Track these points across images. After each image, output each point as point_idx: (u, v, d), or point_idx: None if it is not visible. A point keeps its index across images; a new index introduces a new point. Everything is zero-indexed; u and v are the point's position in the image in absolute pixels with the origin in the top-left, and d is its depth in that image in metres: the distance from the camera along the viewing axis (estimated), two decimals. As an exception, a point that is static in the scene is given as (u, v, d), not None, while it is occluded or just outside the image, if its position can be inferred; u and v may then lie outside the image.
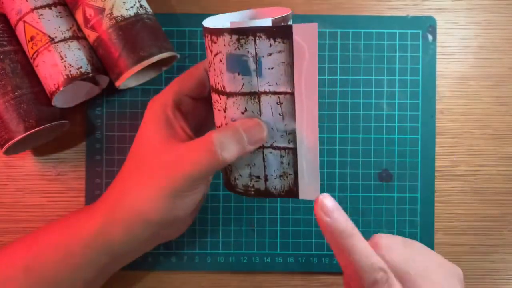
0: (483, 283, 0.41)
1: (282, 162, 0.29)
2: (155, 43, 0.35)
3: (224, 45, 0.27)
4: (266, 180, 0.30)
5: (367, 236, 0.41)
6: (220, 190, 0.41)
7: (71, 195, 0.41)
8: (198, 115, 0.34)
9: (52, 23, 0.35)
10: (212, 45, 0.27)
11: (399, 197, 0.41)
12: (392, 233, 0.41)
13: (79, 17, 0.35)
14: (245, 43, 0.26)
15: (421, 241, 0.40)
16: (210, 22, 0.29)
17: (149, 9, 0.37)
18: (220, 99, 0.29)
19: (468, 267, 0.41)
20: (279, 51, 0.26)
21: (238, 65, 0.27)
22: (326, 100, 0.41)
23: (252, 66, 0.27)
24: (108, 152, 0.40)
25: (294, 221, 0.41)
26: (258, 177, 0.30)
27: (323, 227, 0.27)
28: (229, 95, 0.28)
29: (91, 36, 0.35)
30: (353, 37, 0.41)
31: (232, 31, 0.26)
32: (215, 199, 0.41)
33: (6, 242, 0.40)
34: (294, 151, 0.29)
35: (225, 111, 0.29)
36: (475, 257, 0.41)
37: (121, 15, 0.35)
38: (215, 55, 0.27)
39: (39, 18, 0.35)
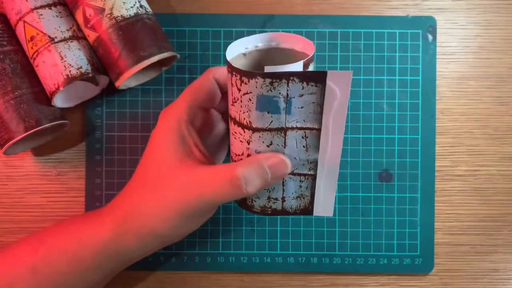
0: (483, 283, 0.41)
1: (300, 186, 0.30)
2: (155, 43, 0.35)
3: (256, 87, 0.27)
4: (283, 201, 0.31)
5: (367, 236, 0.41)
6: (220, 190, 0.41)
7: (71, 195, 0.41)
8: (208, 127, 0.34)
9: (52, 23, 0.35)
10: (241, 85, 0.27)
11: (399, 197, 0.41)
12: (392, 233, 0.41)
13: (79, 17, 0.35)
14: (277, 86, 0.26)
15: (421, 241, 0.41)
16: (230, 54, 0.29)
17: (149, 9, 0.37)
18: (244, 132, 0.29)
19: (468, 267, 0.41)
20: (311, 93, 0.27)
21: (268, 105, 0.27)
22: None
23: (282, 105, 0.27)
24: (108, 152, 0.40)
25: (294, 221, 0.41)
26: (276, 199, 0.31)
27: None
28: (255, 130, 0.28)
29: (91, 36, 0.35)
30: (353, 37, 0.41)
31: (266, 75, 0.26)
32: (215, 199, 0.41)
33: (6, 242, 0.40)
34: (314, 177, 0.30)
35: (248, 144, 0.29)
36: (475, 257, 0.41)
37: (121, 15, 0.35)
38: (243, 94, 0.27)
39: (39, 18, 0.35)
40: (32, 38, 0.35)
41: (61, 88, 0.35)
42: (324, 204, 0.31)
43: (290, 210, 0.31)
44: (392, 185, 0.41)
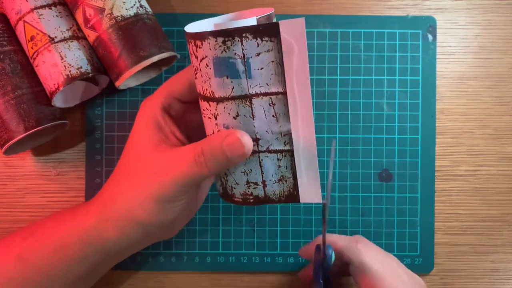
0: (483, 283, 0.41)
1: (279, 166, 0.28)
2: (155, 43, 0.35)
3: (210, 49, 0.25)
4: (264, 186, 0.29)
5: (367, 236, 0.40)
6: (220, 190, 0.41)
7: (71, 195, 0.41)
8: (191, 121, 0.34)
9: (52, 23, 0.35)
10: (197, 51, 0.26)
11: (399, 197, 0.41)
12: (392, 233, 0.41)
13: (79, 17, 0.35)
14: (231, 45, 0.25)
15: (421, 241, 0.41)
16: (192, 27, 0.28)
17: (149, 9, 0.37)
18: (210, 106, 0.28)
19: (468, 267, 0.41)
20: (267, 50, 0.25)
21: (226, 68, 0.26)
22: (326, 100, 0.41)
23: (241, 68, 0.26)
24: (108, 152, 0.40)
25: (294, 221, 0.41)
26: (256, 183, 0.29)
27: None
28: (219, 100, 0.27)
29: (91, 36, 0.35)
30: (353, 37, 0.41)
31: (217, 33, 0.25)
32: (215, 199, 0.41)
33: (6, 242, 0.41)
34: (291, 153, 0.28)
35: (216, 118, 0.28)
36: (475, 257, 0.41)
37: (121, 15, 0.35)
38: (200, 61, 0.26)
39: (39, 18, 0.35)
40: (32, 38, 0.35)
41: (61, 88, 0.35)
42: (310, 188, 0.28)
43: (274, 198, 0.29)
44: (392, 185, 0.41)
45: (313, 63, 0.41)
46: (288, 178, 0.29)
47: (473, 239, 0.41)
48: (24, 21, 0.35)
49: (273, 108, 0.27)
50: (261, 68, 0.25)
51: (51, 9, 0.35)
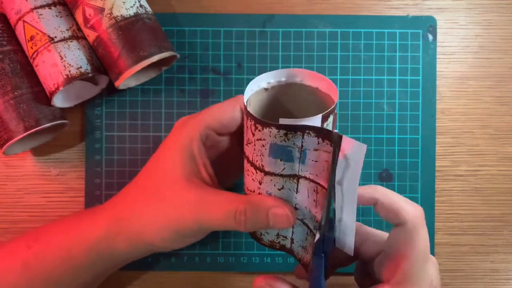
0: (483, 283, 0.41)
1: (306, 238, 0.30)
2: (155, 43, 0.35)
3: (270, 136, 0.26)
4: (292, 242, 0.31)
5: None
6: (220, 190, 0.41)
7: (71, 195, 0.41)
8: (219, 150, 0.33)
9: (52, 23, 0.35)
10: (255, 130, 0.27)
11: (399, 197, 0.41)
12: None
13: (79, 17, 0.35)
14: (292, 137, 0.25)
15: (421, 241, 0.40)
16: (251, 88, 0.28)
17: (149, 9, 0.37)
18: (257, 173, 0.28)
19: (468, 267, 0.41)
20: (325, 151, 0.25)
21: (282, 153, 0.26)
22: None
23: (296, 155, 0.26)
24: (108, 152, 0.40)
25: (294, 221, 0.41)
26: (285, 237, 0.31)
27: None
28: (267, 173, 0.28)
29: (91, 36, 0.35)
30: (353, 37, 0.41)
31: (281, 126, 0.25)
32: (215, 199, 0.41)
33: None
34: (314, 238, 0.29)
35: (260, 184, 0.29)
36: (475, 257, 0.41)
37: (121, 15, 0.34)
38: (257, 139, 0.27)
39: (38, 18, 0.35)
40: (31, 38, 0.35)
41: (61, 88, 0.35)
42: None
43: (297, 256, 0.31)
44: (392, 185, 0.41)
45: (313, 63, 0.41)
46: (309, 252, 0.30)
47: (473, 239, 0.41)
48: (24, 21, 0.35)
49: (316, 195, 0.27)
50: (315, 161, 0.26)
51: (50, 9, 0.35)
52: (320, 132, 0.25)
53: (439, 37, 0.42)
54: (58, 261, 0.32)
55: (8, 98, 0.35)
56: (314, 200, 0.28)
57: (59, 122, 0.37)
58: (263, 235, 0.32)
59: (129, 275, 0.41)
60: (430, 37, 0.41)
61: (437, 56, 0.42)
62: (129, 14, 0.35)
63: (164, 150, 0.31)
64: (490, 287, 0.41)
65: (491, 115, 0.42)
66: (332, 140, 0.25)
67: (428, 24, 0.41)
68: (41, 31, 0.35)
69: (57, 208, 0.41)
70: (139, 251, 0.32)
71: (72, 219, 0.34)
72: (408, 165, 0.41)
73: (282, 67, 0.41)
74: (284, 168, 0.27)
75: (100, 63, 0.37)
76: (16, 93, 0.35)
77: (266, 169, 0.27)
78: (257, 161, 0.28)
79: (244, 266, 0.41)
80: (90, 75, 0.35)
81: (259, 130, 0.26)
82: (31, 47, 0.35)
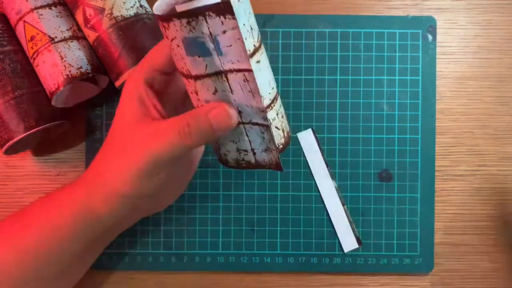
0: (483, 283, 0.41)
1: (263, 138, 0.29)
2: (155, 43, 0.35)
3: (177, 30, 0.25)
4: (254, 153, 0.30)
5: (367, 236, 0.40)
6: (220, 190, 0.41)
7: (71, 195, 0.41)
8: (173, 92, 0.34)
9: (52, 23, 0.35)
10: (166, 31, 0.26)
11: (399, 197, 0.41)
12: (392, 233, 0.41)
13: (79, 17, 0.35)
14: (196, 25, 0.24)
15: (421, 241, 0.40)
16: (159, 5, 0.27)
17: (149, 9, 0.37)
18: (189, 82, 0.28)
19: (468, 267, 0.41)
20: (232, 28, 0.24)
21: (196, 47, 0.25)
22: (326, 100, 0.41)
23: (210, 46, 0.25)
24: (108, 152, 0.40)
25: (294, 221, 0.41)
26: (245, 150, 0.30)
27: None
28: (196, 78, 0.27)
29: (91, 36, 0.35)
30: (353, 37, 0.41)
31: (180, 15, 0.24)
32: (215, 199, 0.41)
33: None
34: (268, 128, 0.28)
35: (197, 94, 0.28)
36: (475, 257, 0.41)
37: (121, 15, 0.35)
38: (171, 41, 0.26)
39: (39, 18, 0.35)
40: (32, 38, 0.35)
41: (61, 88, 0.35)
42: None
43: (265, 164, 0.30)
44: (392, 185, 0.41)
45: (313, 63, 0.41)
46: (272, 149, 0.29)
47: (473, 239, 0.41)
48: (24, 21, 0.35)
49: (248, 84, 0.26)
50: (230, 46, 0.25)
51: (51, 9, 0.35)
52: (218, 9, 0.24)
53: (438, 37, 0.42)
54: (43, 236, 0.33)
55: (9, 98, 0.35)
56: (249, 91, 0.27)
57: (59, 122, 0.37)
58: (226, 154, 0.31)
59: (130, 275, 0.41)
60: (430, 37, 0.41)
61: (437, 56, 0.42)
62: (130, 14, 0.35)
63: (118, 106, 0.32)
64: (490, 287, 0.41)
65: (491, 115, 0.42)
66: (230, 9, 0.23)
67: (427, 24, 0.41)
68: (42, 31, 0.35)
69: (57, 208, 0.41)
70: (119, 210, 0.32)
71: (54, 194, 0.34)
72: (408, 165, 0.41)
73: (282, 67, 0.41)
74: (207, 65, 0.26)
75: (100, 63, 0.37)
76: (16, 93, 0.35)
77: (193, 72, 0.27)
78: (183, 67, 0.27)
79: (244, 266, 0.41)
80: (90, 75, 0.35)
81: (167, 29, 0.26)
82: (32, 47, 0.35)
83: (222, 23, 0.24)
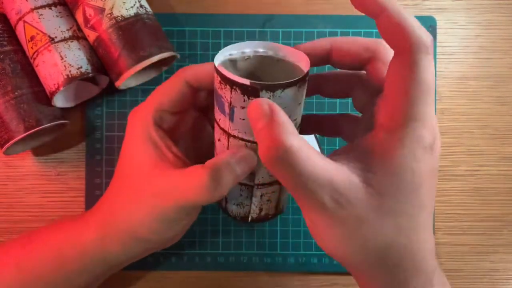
0: (483, 283, 0.41)
1: (241, 195, 0.30)
2: (155, 43, 0.35)
3: (214, 80, 0.27)
4: (226, 202, 0.31)
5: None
6: (220, 190, 0.41)
7: (71, 195, 0.41)
8: (185, 132, 0.33)
9: (52, 23, 0.35)
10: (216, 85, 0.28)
11: (399, 197, 0.41)
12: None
13: (79, 17, 0.35)
14: (224, 88, 0.26)
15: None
16: (223, 52, 0.28)
17: (149, 9, 0.37)
18: (215, 128, 0.29)
19: (468, 267, 0.41)
20: None
21: (218, 102, 0.27)
22: (326, 100, 0.41)
23: (227, 110, 0.26)
24: (108, 152, 0.40)
25: (294, 221, 0.41)
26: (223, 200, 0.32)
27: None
28: (217, 125, 0.29)
29: (91, 36, 0.35)
30: (353, 37, 0.41)
31: (217, 72, 0.26)
32: (215, 199, 0.41)
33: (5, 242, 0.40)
34: (251, 187, 0.29)
35: (219, 141, 0.29)
36: (475, 257, 0.41)
37: (121, 15, 0.35)
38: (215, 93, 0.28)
39: (39, 18, 0.35)
40: (32, 38, 0.35)
41: (61, 88, 0.35)
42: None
43: (231, 214, 0.32)
44: (392, 185, 0.41)
45: (313, 63, 0.41)
46: (246, 205, 0.31)
47: (473, 239, 0.41)
48: (24, 21, 0.35)
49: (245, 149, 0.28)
50: (243, 119, 0.26)
51: (51, 9, 0.35)
52: (245, 89, 0.25)
53: (439, 37, 0.42)
54: (50, 262, 0.32)
55: (9, 98, 0.35)
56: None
57: (59, 122, 0.37)
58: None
59: (130, 275, 0.41)
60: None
61: (437, 56, 0.42)
62: (130, 14, 0.35)
63: (126, 145, 0.31)
64: (490, 287, 0.41)
65: (491, 115, 0.42)
66: (256, 94, 0.24)
67: (428, 24, 0.41)
68: (42, 31, 0.35)
69: (57, 208, 0.41)
70: (133, 250, 0.32)
71: (66, 222, 0.34)
72: (408, 165, 0.41)
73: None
74: (220, 119, 0.28)
75: (101, 63, 0.37)
76: (16, 93, 0.35)
77: (217, 118, 0.28)
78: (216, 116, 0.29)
79: (244, 266, 0.41)
80: (90, 75, 0.35)
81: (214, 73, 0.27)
82: (32, 47, 0.35)
83: (244, 101, 0.25)
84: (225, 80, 0.25)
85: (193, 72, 0.30)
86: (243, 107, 0.26)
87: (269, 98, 0.24)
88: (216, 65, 0.26)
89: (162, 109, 0.30)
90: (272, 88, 0.24)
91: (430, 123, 0.23)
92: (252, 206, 0.30)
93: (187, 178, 0.28)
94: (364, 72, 0.28)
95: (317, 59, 0.28)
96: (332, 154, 0.25)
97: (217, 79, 0.26)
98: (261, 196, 0.30)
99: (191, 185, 0.27)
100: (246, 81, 0.25)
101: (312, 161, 0.22)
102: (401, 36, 0.22)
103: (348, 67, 0.28)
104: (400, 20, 0.22)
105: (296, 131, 0.23)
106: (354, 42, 0.27)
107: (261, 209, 0.31)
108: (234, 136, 0.27)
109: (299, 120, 0.28)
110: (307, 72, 0.26)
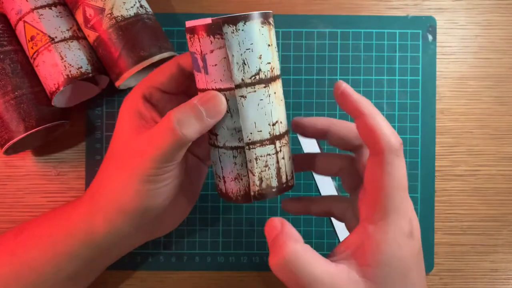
0: (483, 283, 0.41)
1: (235, 163, 0.29)
2: (155, 43, 0.35)
3: (187, 44, 0.28)
4: (224, 182, 0.30)
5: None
6: (220, 190, 0.41)
7: (71, 195, 0.41)
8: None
9: (52, 23, 0.35)
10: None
11: (399, 197, 0.41)
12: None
13: (79, 17, 0.35)
14: (193, 42, 0.27)
15: (421, 241, 0.40)
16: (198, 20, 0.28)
17: (149, 9, 0.37)
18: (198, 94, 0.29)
19: (468, 267, 0.41)
20: (219, 47, 0.26)
21: (194, 62, 0.28)
22: (326, 100, 0.41)
23: (201, 63, 0.27)
24: (108, 152, 0.40)
25: (294, 221, 0.41)
26: (219, 176, 0.30)
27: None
28: (197, 90, 0.29)
29: (91, 36, 0.35)
30: (353, 37, 0.41)
31: (186, 30, 0.27)
32: (215, 199, 0.41)
33: (6, 242, 0.41)
34: (242, 150, 0.28)
35: None
36: (475, 257, 0.41)
37: (121, 15, 0.35)
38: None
39: (39, 18, 0.35)
40: (32, 38, 0.35)
41: (61, 88, 0.35)
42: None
43: (232, 196, 0.30)
44: (392, 185, 0.41)
45: (313, 63, 0.41)
46: (243, 176, 0.29)
47: (473, 239, 0.41)
48: (24, 21, 0.35)
49: (228, 104, 0.28)
50: (215, 65, 0.27)
51: (51, 9, 0.36)
52: (209, 29, 0.26)
53: (438, 37, 0.42)
54: (42, 250, 0.33)
55: (9, 98, 0.35)
56: (227, 111, 0.28)
57: (59, 122, 0.37)
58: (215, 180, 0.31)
59: (129, 275, 0.41)
60: (430, 37, 0.41)
61: (437, 56, 0.42)
62: (130, 14, 0.35)
63: (117, 121, 0.32)
64: (490, 287, 0.42)
65: (491, 115, 0.42)
66: (220, 28, 0.25)
67: (427, 24, 0.41)
68: (42, 31, 0.35)
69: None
70: (118, 227, 0.31)
71: (57, 209, 0.35)
72: (408, 165, 0.41)
73: (282, 67, 0.41)
74: (198, 80, 0.28)
75: (101, 63, 0.37)
76: (16, 93, 0.35)
77: (196, 84, 0.29)
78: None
79: (244, 266, 0.41)
80: (90, 75, 0.35)
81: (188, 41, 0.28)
82: (32, 47, 0.35)
83: (211, 43, 0.26)
84: (192, 31, 0.26)
85: (188, 57, 0.31)
86: (212, 51, 0.26)
87: (233, 32, 0.26)
88: (186, 23, 0.27)
89: (152, 86, 0.32)
90: (233, 21, 0.26)
91: (405, 212, 0.27)
92: (250, 175, 0.28)
93: (155, 129, 0.29)
94: (353, 156, 0.32)
95: (315, 134, 0.32)
96: (331, 255, 0.29)
97: (188, 38, 0.27)
98: (256, 160, 0.28)
99: (159, 132, 0.28)
100: (208, 20, 0.26)
101: (315, 264, 0.26)
102: (375, 140, 0.26)
103: (341, 148, 0.31)
104: (374, 125, 0.27)
105: (301, 238, 0.27)
106: (349, 130, 0.31)
107: (261, 180, 0.29)
108: (212, 90, 0.28)
109: (274, 65, 0.28)
110: (270, 12, 0.28)
